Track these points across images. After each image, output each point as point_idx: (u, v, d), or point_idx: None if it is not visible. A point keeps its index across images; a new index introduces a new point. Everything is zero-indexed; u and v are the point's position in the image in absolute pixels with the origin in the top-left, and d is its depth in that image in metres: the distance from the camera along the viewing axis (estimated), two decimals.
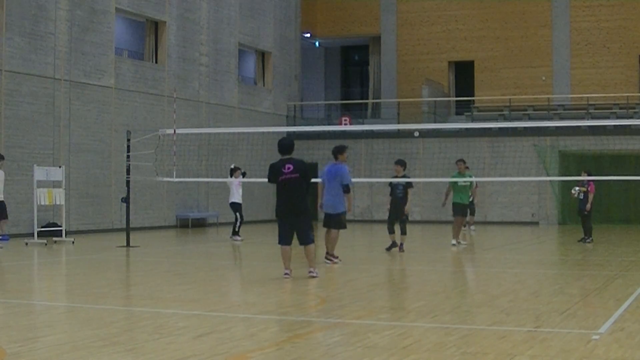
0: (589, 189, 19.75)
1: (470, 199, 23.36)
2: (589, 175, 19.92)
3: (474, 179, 19.40)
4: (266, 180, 12.59)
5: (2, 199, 18.28)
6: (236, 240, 20.64)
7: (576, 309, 9.40)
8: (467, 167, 19.49)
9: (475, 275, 14.38)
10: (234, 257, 17.43)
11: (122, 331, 8.03)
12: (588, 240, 19.93)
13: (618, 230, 26.64)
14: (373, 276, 13.62)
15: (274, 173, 12.21)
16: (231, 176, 21.38)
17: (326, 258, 14.67)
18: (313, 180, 13.17)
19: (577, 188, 19.94)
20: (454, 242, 18.88)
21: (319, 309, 9.59)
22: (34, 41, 21.96)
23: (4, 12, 21.16)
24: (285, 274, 12.19)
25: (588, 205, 19.71)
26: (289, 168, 12.09)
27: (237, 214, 21.00)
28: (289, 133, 31.78)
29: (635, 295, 10.55)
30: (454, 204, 18.82)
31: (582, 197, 19.86)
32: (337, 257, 14.74)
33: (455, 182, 18.78)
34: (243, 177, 21.57)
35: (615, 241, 21.68)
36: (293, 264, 12.44)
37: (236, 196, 21.13)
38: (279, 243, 12.28)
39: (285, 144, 12.26)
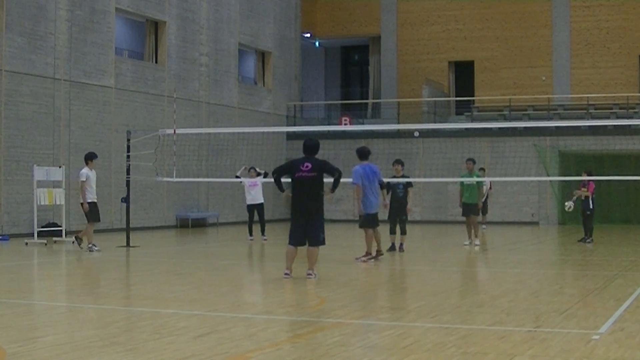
0: (587, 189, 19.74)
1: (483, 199, 23.48)
2: (589, 175, 19.93)
3: (482, 179, 19.55)
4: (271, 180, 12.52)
5: (95, 200, 17.61)
6: (250, 239, 20.71)
7: (576, 309, 9.40)
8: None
9: (475, 275, 14.39)
10: (234, 257, 17.41)
11: (122, 331, 8.04)
12: (588, 241, 19.93)
13: (618, 230, 26.64)
14: (373, 276, 13.62)
15: (290, 169, 12.19)
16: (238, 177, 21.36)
17: (376, 256, 15.20)
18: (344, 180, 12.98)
19: (569, 203, 19.93)
20: (466, 242, 19.07)
21: (319, 309, 9.59)
22: (34, 41, 21.96)
23: (4, 12, 21.16)
24: (285, 274, 12.18)
25: (589, 201, 19.78)
26: (307, 166, 12.05)
27: (249, 214, 21.00)
28: (289, 133, 31.85)
29: (635, 295, 10.55)
30: (462, 203, 19.11)
31: (583, 198, 19.88)
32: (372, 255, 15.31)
33: (462, 182, 19.10)
34: (264, 177, 21.24)
35: (615, 241, 21.68)
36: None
37: (247, 198, 21.04)
38: (288, 243, 12.26)
39: (309, 145, 12.21)
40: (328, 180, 12.41)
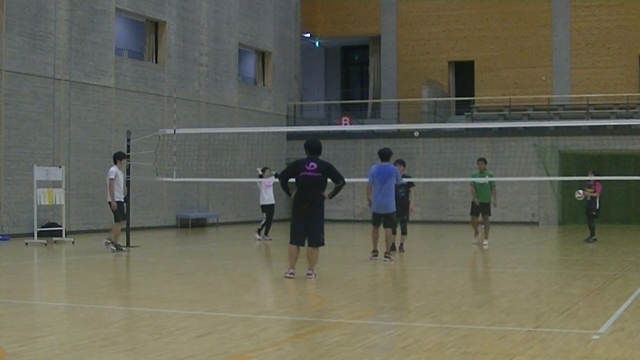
0: (594, 189, 19.92)
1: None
2: (595, 175, 20.14)
3: (494, 179, 19.96)
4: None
5: (122, 199, 17.29)
6: (257, 239, 20.67)
7: (576, 309, 9.40)
8: (484, 168, 19.97)
9: (475, 275, 14.39)
10: (234, 257, 17.41)
11: (122, 331, 8.04)
12: (591, 240, 20.07)
13: (618, 230, 26.63)
14: (373, 276, 13.62)
15: (295, 169, 12.16)
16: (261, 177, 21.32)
17: (385, 256, 15.38)
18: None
19: (580, 191, 20.09)
20: (473, 240, 19.54)
21: (319, 309, 9.59)
22: (34, 41, 21.96)
23: (4, 12, 21.16)
24: (291, 273, 12.09)
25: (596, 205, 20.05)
26: (312, 166, 12.04)
27: (265, 214, 20.98)
28: (289, 133, 31.85)
29: (635, 295, 10.56)
30: (472, 202, 19.63)
31: (589, 198, 20.03)
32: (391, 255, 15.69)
33: (474, 181, 19.56)
34: (275, 177, 21.25)
35: (615, 241, 21.68)
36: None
37: (265, 198, 21.02)
38: (290, 242, 12.23)
39: (313, 146, 12.23)
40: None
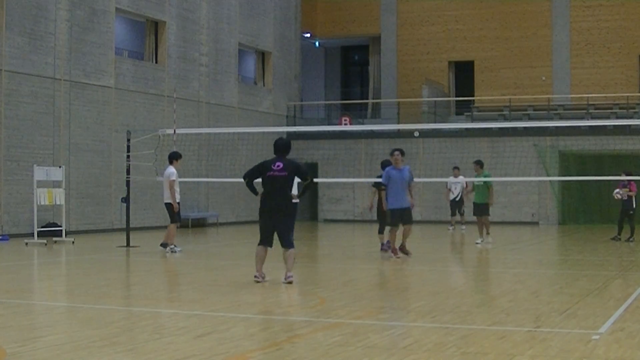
0: (630, 189, 20.31)
1: (457, 198, 24.90)
2: (627, 175, 20.53)
3: (489, 179, 20.24)
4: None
5: (179, 200, 17.03)
6: None
7: (576, 309, 9.40)
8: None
9: (475, 275, 14.38)
10: (234, 258, 17.40)
11: (122, 331, 8.04)
12: (631, 240, 20.47)
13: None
14: (373, 276, 13.62)
15: (261, 169, 11.83)
16: None
17: (400, 251, 15.93)
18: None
19: (618, 190, 20.59)
20: (478, 241, 19.73)
21: (319, 309, 9.59)
22: (34, 41, 21.96)
23: (4, 12, 21.16)
24: (255, 277, 11.82)
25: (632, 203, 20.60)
26: (278, 166, 11.78)
27: None
28: (289, 133, 31.83)
29: (635, 295, 10.55)
30: (473, 203, 20.15)
31: (625, 198, 20.46)
32: (402, 252, 16.04)
33: (473, 182, 20.13)
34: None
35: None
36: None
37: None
38: (258, 243, 11.89)
39: (280, 144, 11.97)
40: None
